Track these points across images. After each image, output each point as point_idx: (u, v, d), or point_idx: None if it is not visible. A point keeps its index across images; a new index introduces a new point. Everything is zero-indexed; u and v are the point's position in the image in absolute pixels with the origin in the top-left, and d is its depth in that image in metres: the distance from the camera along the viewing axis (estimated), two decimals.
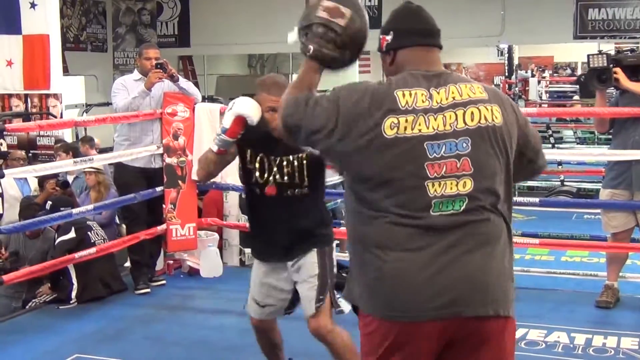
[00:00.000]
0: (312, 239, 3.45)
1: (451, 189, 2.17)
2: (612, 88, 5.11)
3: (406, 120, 2.16)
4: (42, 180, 6.46)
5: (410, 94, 2.19)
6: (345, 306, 3.38)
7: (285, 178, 3.39)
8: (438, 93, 2.20)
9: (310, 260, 3.42)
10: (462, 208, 2.17)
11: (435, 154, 2.16)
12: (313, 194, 3.45)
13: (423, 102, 2.18)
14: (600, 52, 5.08)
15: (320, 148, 2.31)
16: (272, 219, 3.46)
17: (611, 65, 4.89)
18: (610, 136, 5.54)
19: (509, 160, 2.26)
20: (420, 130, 2.16)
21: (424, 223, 2.17)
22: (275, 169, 3.39)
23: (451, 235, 2.17)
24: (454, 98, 2.20)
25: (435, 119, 2.17)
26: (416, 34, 2.32)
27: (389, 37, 2.34)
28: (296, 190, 3.41)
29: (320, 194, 3.55)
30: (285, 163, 3.39)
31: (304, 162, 3.38)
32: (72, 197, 6.17)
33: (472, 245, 2.18)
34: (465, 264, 2.17)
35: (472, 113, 2.20)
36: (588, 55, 5.01)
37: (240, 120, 3.29)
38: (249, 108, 3.29)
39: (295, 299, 3.55)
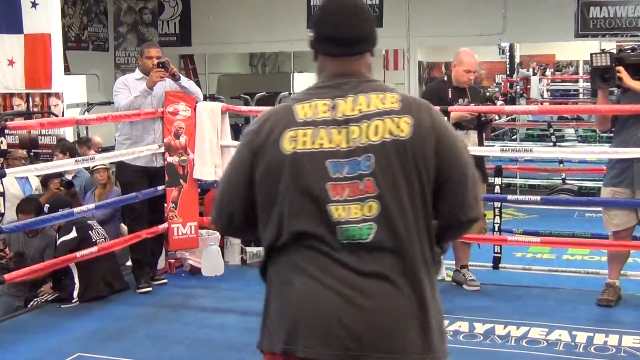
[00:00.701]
0: None
1: (356, 214, 1.94)
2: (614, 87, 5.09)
3: (305, 134, 1.98)
4: (45, 180, 6.46)
5: (310, 106, 2.01)
6: None
7: None
8: (345, 103, 2.00)
9: None
10: (369, 236, 1.94)
11: (338, 174, 1.96)
12: None
13: (324, 113, 1.99)
14: (603, 51, 5.08)
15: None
16: None
17: (614, 64, 4.89)
18: (611, 134, 5.54)
19: (421, 177, 1.98)
20: (321, 145, 1.97)
21: (328, 250, 1.95)
22: None
23: (357, 265, 1.94)
24: (360, 110, 1.99)
25: (339, 133, 1.97)
26: (329, 43, 2.08)
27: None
28: None
29: None
30: None
31: None
32: (75, 197, 6.18)
33: (376, 283, 1.94)
34: (366, 304, 1.93)
35: (376, 126, 1.96)
36: (591, 54, 5.00)
37: None
38: None
39: None
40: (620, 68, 4.87)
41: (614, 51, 5.32)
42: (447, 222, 2.08)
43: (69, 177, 6.93)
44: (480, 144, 5.59)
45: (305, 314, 1.96)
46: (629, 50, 5.19)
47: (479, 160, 5.47)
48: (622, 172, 5.01)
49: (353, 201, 1.95)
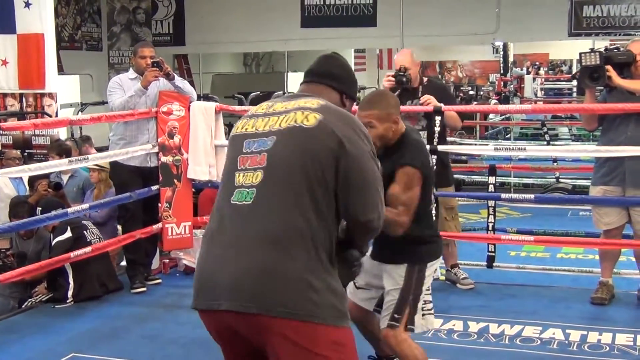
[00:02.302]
0: (402, 253, 3.42)
1: (248, 180, 2.32)
2: (603, 86, 5.10)
3: (245, 123, 2.47)
4: (32, 181, 6.43)
5: (261, 105, 2.51)
6: (419, 327, 3.45)
7: None
8: (282, 104, 2.43)
9: (398, 272, 3.42)
10: (251, 199, 2.29)
11: (247, 149, 2.38)
12: None
13: (263, 109, 2.48)
14: (592, 50, 5.09)
15: None
16: None
17: (603, 63, 4.90)
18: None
19: (312, 159, 2.28)
20: (246, 130, 2.44)
21: (225, 212, 2.35)
22: None
23: (238, 226, 2.29)
24: (286, 108, 2.41)
25: (262, 121, 2.41)
26: (307, 74, 2.62)
27: None
28: None
29: (417, 214, 3.38)
30: None
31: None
32: (63, 199, 6.17)
33: (251, 238, 2.26)
34: (241, 257, 2.25)
35: (289, 117, 2.36)
36: (580, 54, 5.02)
37: None
38: None
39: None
40: (609, 67, 4.88)
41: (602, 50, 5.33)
42: (349, 222, 2.39)
43: (65, 177, 6.93)
44: (440, 142, 5.34)
45: (197, 274, 2.39)
46: (616, 50, 5.20)
47: (444, 161, 5.43)
48: (612, 170, 5.02)
49: (249, 170, 2.34)
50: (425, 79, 5.54)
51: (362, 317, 3.62)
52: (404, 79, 5.27)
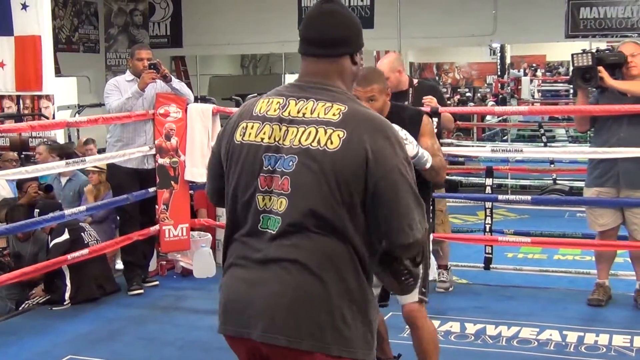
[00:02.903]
0: None
1: (274, 205, 2.10)
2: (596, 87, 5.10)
3: (252, 127, 2.16)
4: (20, 183, 6.39)
5: (268, 102, 2.17)
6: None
7: None
8: (295, 104, 2.14)
9: None
10: (276, 229, 2.10)
11: (268, 167, 2.12)
12: None
13: (275, 110, 2.15)
14: (584, 51, 5.10)
15: None
16: None
17: (595, 64, 4.91)
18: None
19: (345, 188, 2.06)
20: (262, 140, 2.13)
21: (250, 236, 2.16)
22: None
23: (265, 252, 2.12)
24: (304, 114, 2.12)
25: (279, 130, 2.12)
26: (306, 42, 2.22)
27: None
28: None
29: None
30: None
31: None
32: (53, 201, 6.17)
33: (279, 267, 2.09)
34: (269, 286, 2.10)
35: (309, 133, 2.09)
36: (572, 55, 5.02)
37: None
38: None
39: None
40: (601, 68, 4.89)
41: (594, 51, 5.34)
42: (382, 243, 2.14)
43: (63, 179, 6.93)
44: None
45: (224, 299, 2.21)
46: (607, 51, 5.21)
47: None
48: (605, 172, 5.03)
49: (274, 194, 2.11)
50: (415, 81, 5.52)
51: None
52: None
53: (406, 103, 5.34)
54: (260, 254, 2.13)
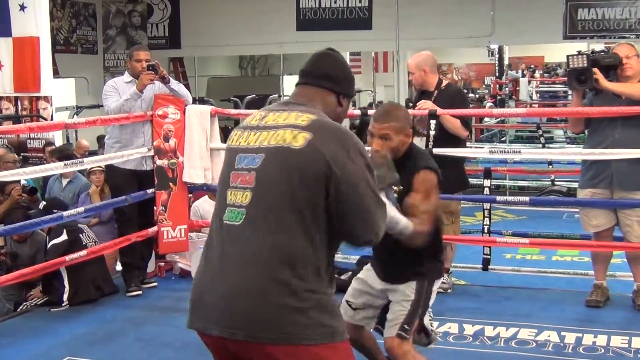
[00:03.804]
0: (414, 271, 3.38)
1: (238, 199, 2.30)
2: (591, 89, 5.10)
3: (239, 135, 2.43)
4: (2, 186, 6.34)
5: (254, 115, 2.46)
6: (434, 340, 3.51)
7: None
8: (273, 115, 2.38)
9: (409, 286, 3.38)
10: (240, 220, 2.27)
11: (238, 165, 2.35)
12: None
13: (256, 120, 2.41)
14: (579, 53, 5.10)
15: None
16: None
17: (590, 66, 4.91)
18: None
19: (300, 181, 2.23)
20: (239, 143, 2.39)
21: (217, 229, 2.34)
22: None
23: (227, 246, 2.28)
24: (276, 121, 2.35)
25: (254, 135, 2.36)
26: (302, 74, 2.53)
27: None
28: None
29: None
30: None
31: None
32: (37, 204, 6.18)
33: (238, 260, 2.24)
34: (227, 280, 2.25)
35: (277, 135, 2.30)
36: (567, 56, 5.02)
37: None
38: None
39: (385, 314, 3.48)
40: (596, 70, 4.90)
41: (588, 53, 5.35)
42: (347, 241, 2.36)
43: (64, 181, 6.94)
44: (442, 145, 5.26)
45: (193, 294, 2.36)
46: (602, 53, 5.22)
47: (459, 165, 5.47)
48: (599, 173, 5.03)
49: (240, 188, 2.31)
50: (444, 84, 5.56)
51: (358, 335, 3.56)
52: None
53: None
54: (220, 249, 2.30)
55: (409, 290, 3.38)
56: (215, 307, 2.25)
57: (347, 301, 3.55)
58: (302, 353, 2.21)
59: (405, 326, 3.35)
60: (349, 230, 2.29)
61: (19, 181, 6.25)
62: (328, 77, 2.48)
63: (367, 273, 3.56)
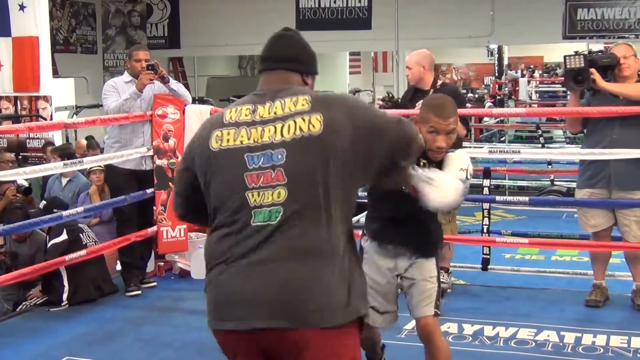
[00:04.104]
0: (431, 247, 3.44)
1: (268, 198, 2.23)
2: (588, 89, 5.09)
3: (228, 133, 2.30)
4: None
5: (236, 110, 2.35)
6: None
7: None
8: (264, 108, 2.31)
9: (430, 263, 3.41)
10: (277, 219, 2.21)
11: (253, 165, 2.25)
12: None
13: (246, 115, 2.31)
14: (576, 53, 5.10)
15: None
16: (406, 214, 3.30)
17: (587, 66, 4.91)
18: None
19: (332, 167, 2.23)
20: (242, 142, 2.28)
21: (242, 235, 2.24)
22: None
23: (262, 245, 2.22)
24: (275, 112, 2.28)
25: (255, 131, 2.28)
26: (262, 60, 2.51)
27: None
28: None
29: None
30: None
31: None
32: (31, 204, 6.18)
33: (285, 256, 2.21)
34: (273, 277, 2.20)
35: (289, 126, 2.25)
36: (565, 57, 5.02)
37: None
38: None
39: None
40: (593, 70, 4.90)
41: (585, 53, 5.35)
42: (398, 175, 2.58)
43: (64, 180, 6.94)
44: None
45: (222, 295, 2.27)
46: (600, 53, 5.22)
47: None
48: (597, 173, 5.03)
49: (265, 188, 2.23)
50: (439, 82, 5.57)
51: (370, 332, 3.54)
52: (389, 104, 5.31)
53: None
54: (249, 249, 2.22)
55: (432, 266, 3.41)
56: (261, 302, 2.20)
57: (372, 307, 3.38)
58: (342, 333, 2.23)
59: (438, 303, 3.40)
60: (399, 157, 2.44)
61: (14, 182, 6.25)
62: (288, 59, 2.45)
63: (370, 269, 3.39)
